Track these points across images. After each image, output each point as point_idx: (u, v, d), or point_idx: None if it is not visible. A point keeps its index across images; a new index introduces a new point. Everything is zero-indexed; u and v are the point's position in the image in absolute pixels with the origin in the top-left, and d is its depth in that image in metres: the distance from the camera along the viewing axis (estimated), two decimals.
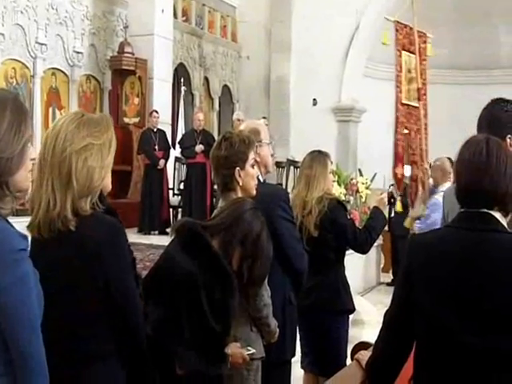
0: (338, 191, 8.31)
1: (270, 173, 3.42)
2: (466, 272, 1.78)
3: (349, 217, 4.14)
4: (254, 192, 2.75)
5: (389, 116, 14.75)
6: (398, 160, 8.09)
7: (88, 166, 1.84)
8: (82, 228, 1.81)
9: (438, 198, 4.86)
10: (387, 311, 2.02)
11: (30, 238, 1.74)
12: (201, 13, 13.03)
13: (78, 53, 9.97)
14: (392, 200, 9.03)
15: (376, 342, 2.11)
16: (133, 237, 7.85)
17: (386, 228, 7.37)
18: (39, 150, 1.88)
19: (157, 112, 9.66)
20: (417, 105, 7.69)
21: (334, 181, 4.70)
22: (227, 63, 13.86)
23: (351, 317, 6.03)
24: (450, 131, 11.06)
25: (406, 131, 8.13)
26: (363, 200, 9.23)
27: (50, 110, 9.52)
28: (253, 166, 2.75)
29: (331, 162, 4.04)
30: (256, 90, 14.02)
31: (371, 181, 9.64)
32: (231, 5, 13.92)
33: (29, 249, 1.61)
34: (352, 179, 9.35)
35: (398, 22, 8.21)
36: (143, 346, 1.94)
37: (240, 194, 2.70)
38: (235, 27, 14.11)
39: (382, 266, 10.14)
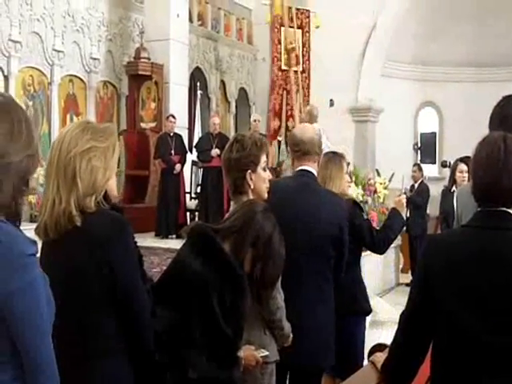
0: (356, 192, 8.26)
1: None
2: (486, 272, 1.76)
3: (365, 217, 4.12)
4: (266, 195, 2.73)
5: (408, 115, 14.76)
6: (274, 114, 10.18)
7: (92, 165, 1.89)
8: (87, 224, 1.85)
9: None
10: (402, 313, 2.00)
11: (39, 244, 1.75)
12: (216, 16, 13.06)
13: (94, 59, 10.05)
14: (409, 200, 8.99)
15: (391, 343, 2.09)
16: (150, 241, 7.89)
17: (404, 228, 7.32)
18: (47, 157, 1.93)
19: (173, 116, 9.69)
20: (295, 69, 9.82)
21: (349, 182, 4.69)
22: (243, 66, 13.86)
23: (369, 318, 6.02)
24: (467, 129, 10.96)
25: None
26: (381, 200, 9.17)
27: (68, 116, 9.60)
28: (264, 169, 2.73)
29: (346, 163, 4.02)
30: None
31: (389, 181, 9.57)
32: (247, 7, 13.93)
33: (38, 254, 1.62)
34: (370, 179, 9.28)
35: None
36: (150, 344, 1.95)
37: (251, 197, 2.69)
38: (251, 30, 14.12)
39: (401, 266, 10.06)
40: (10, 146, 1.52)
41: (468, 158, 5.87)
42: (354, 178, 8.58)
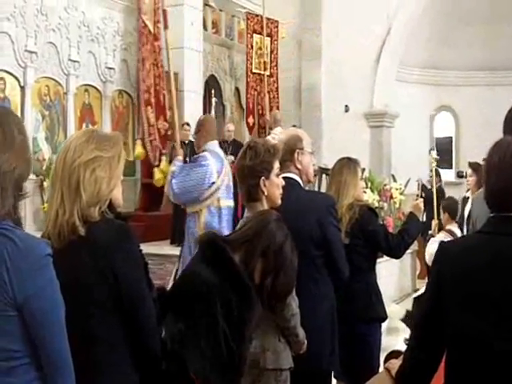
0: (371, 198, 8.22)
1: (311, 182, 3.42)
2: (500, 278, 1.74)
3: (381, 222, 4.09)
4: (279, 201, 2.73)
5: (423, 120, 14.69)
6: (249, 112, 11.46)
7: (96, 175, 1.89)
8: (91, 233, 1.86)
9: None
10: (416, 320, 1.98)
11: None
12: (230, 24, 13.10)
13: (110, 68, 10.10)
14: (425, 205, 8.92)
15: (405, 351, 2.08)
16: (165, 249, 7.89)
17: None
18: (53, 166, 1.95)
19: (188, 124, 9.71)
20: (263, 73, 11.19)
21: (364, 188, 4.67)
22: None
23: (386, 325, 5.98)
24: (483, 133, 10.87)
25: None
26: (397, 206, 9.12)
27: (84, 125, 9.64)
28: (278, 175, 2.73)
29: (361, 169, 4.01)
30: (287, 98, 14.01)
31: (405, 186, 9.52)
32: (261, 15, 13.96)
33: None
34: (385, 185, 9.24)
35: (248, 12, 11.74)
36: (157, 352, 1.94)
37: (265, 204, 2.69)
38: None
39: (417, 272, 9.98)
40: (0, 157, 1.59)
41: (476, 163, 5.86)
42: (369, 184, 8.56)
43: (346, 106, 13.59)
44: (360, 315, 3.70)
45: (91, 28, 9.73)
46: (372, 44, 13.24)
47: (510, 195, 1.79)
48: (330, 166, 4.23)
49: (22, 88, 8.65)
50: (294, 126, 10.62)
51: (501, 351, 1.72)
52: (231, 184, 5.31)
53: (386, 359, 2.46)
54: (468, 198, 6.45)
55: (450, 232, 5.66)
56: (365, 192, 7.55)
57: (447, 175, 13.70)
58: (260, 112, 11.17)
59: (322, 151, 12.64)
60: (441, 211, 6.07)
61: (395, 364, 2.16)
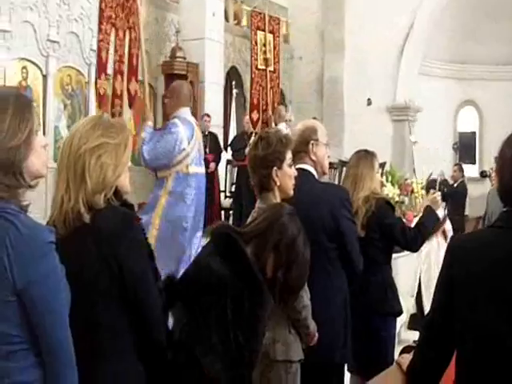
0: (392, 192, 8.15)
1: (325, 174, 3.38)
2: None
3: (398, 216, 4.04)
4: (292, 192, 2.71)
5: (447, 114, 14.52)
6: (253, 107, 11.51)
7: (101, 162, 1.88)
8: (95, 220, 1.84)
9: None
10: (427, 315, 1.95)
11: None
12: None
13: None
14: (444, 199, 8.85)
15: (416, 346, 2.05)
16: None
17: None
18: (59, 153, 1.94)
19: (208, 115, 9.72)
20: (267, 68, 11.53)
21: (382, 181, 4.61)
22: (279, 65, 13.82)
23: (403, 319, 5.93)
24: (507, 128, 10.71)
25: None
26: (418, 200, 9.02)
27: (105, 115, 9.67)
28: (290, 166, 2.70)
29: (378, 162, 3.96)
30: (309, 91, 13.96)
31: (427, 181, 9.42)
32: (282, 6, 13.90)
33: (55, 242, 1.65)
34: (406, 179, 9.15)
35: (253, 10, 12.13)
36: (162, 341, 1.93)
37: (277, 194, 2.66)
38: (287, 29, 14.07)
39: None
40: None
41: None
42: (390, 178, 8.47)
43: (369, 99, 13.50)
44: (375, 309, 3.66)
45: None
46: (395, 37, 13.13)
47: None
48: None
49: (45, 77, 8.71)
50: (315, 118, 10.59)
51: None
52: (202, 151, 5.39)
53: (401, 353, 2.43)
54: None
55: None
56: (384, 186, 7.50)
57: (470, 171, 13.56)
58: (264, 108, 11.48)
59: (344, 145, 12.58)
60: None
61: (406, 359, 2.14)
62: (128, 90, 8.15)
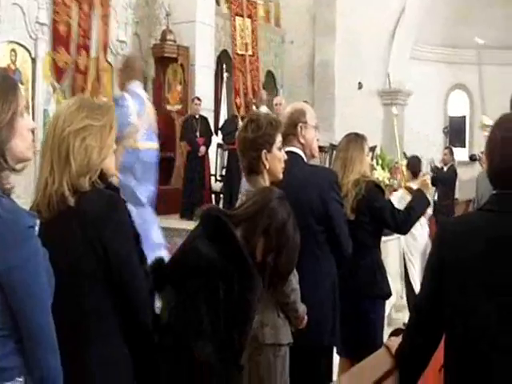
0: (382, 175, 8.16)
1: (315, 157, 3.36)
2: (503, 259, 1.70)
3: (387, 198, 4.05)
4: (281, 176, 2.69)
5: (437, 98, 14.52)
6: (235, 93, 11.86)
7: (86, 144, 1.85)
8: (80, 203, 1.83)
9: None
10: (416, 300, 1.95)
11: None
12: None
13: (121, 42, 10.05)
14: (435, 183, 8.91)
15: (405, 330, 2.06)
16: (174, 223, 7.90)
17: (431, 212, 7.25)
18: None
19: (199, 99, 9.66)
20: (246, 53, 11.96)
21: (372, 164, 4.61)
22: (271, 49, 13.76)
23: (393, 301, 5.97)
24: (497, 112, 10.71)
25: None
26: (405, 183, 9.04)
27: (95, 98, 9.60)
28: (280, 149, 2.69)
29: (368, 145, 3.95)
30: (300, 74, 13.89)
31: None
32: None
33: (37, 227, 1.62)
34: (396, 163, 9.15)
35: None
36: (148, 324, 1.92)
37: (266, 177, 2.65)
38: (279, 12, 13.98)
39: (428, 250, 9.93)
40: None
41: None
42: (380, 161, 8.48)
43: (360, 83, 13.46)
44: (364, 291, 3.67)
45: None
46: (387, 20, 13.08)
47: None
48: None
49: (34, 60, 8.63)
50: (305, 102, 10.55)
51: (500, 331, 1.69)
52: (154, 126, 5.29)
53: (390, 337, 2.43)
54: None
55: (409, 189, 5.75)
56: (375, 169, 7.50)
57: (460, 154, 13.58)
58: (245, 92, 11.76)
59: (335, 128, 12.55)
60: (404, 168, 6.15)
61: (395, 342, 2.14)
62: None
